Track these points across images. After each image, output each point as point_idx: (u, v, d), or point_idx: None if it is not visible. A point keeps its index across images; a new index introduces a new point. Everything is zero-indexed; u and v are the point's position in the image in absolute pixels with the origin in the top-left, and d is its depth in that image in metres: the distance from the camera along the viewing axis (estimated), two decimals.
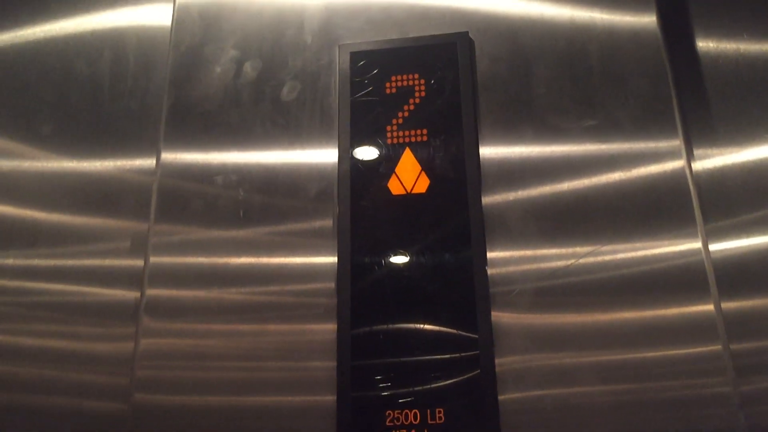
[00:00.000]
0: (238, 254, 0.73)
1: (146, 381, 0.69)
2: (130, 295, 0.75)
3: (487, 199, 0.71)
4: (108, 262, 0.78)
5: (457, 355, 0.66)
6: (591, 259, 0.68)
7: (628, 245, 0.68)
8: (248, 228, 0.74)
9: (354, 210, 0.72)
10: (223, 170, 0.77)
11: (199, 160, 0.78)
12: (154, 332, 0.71)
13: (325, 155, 0.76)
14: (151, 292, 0.73)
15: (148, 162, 0.81)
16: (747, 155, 0.72)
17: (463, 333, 0.67)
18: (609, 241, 0.68)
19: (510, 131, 0.74)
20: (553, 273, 0.68)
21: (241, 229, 0.74)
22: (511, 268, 0.69)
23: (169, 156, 0.78)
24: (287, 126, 0.78)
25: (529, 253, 0.69)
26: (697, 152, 0.72)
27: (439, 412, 0.65)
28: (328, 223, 0.73)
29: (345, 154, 0.75)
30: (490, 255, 0.69)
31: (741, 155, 0.72)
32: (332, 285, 0.70)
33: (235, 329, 0.70)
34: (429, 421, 0.64)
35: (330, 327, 0.69)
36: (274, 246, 0.73)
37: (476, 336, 0.66)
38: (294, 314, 0.70)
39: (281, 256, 0.73)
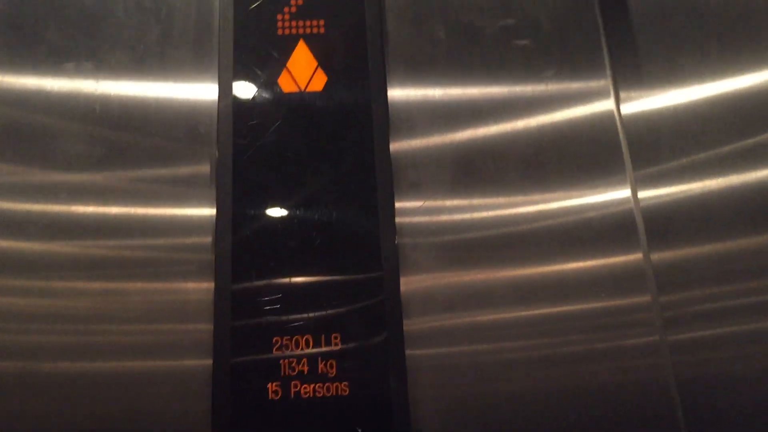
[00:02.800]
0: (89, 201, 0.59)
1: None
2: None
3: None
4: None
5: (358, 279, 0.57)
6: (513, 210, 0.60)
7: (551, 194, 0.61)
8: (103, 172, 0.60)
9: (238, 132, 0.60)
10: (72, 98, 0.62)
11: (40, 85, 0.63)
12: None
13: (203, 76, 0.63)
14: None
15: None
16: (675, 98, 0.65)
17: (365, 275, 0.57)
18: (530, 190, 0.60)
19: (419, 28, 0.65)
20: (465, 225, 0.59)
21: (94, 172, 0.60)
22: (418, 219, 0.60)
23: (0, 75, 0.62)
24: (156, 33, 0.64)
25: (439, 203, 0.60)
26: (624, 94, 0.65)
27: (335, 337, 0.55)
28: (204, 168, 0.61)
29: (226, 56, 0.63)
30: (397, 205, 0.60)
31: (669, 97, 0.65)
32: (208, 239, 0.58)
33: (83, 287, 0.57)
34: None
35: (205, 285, 0.57)
36: (137, 194, 0.60)
37: (380, 273, 0.57)
38: (162, 272, 0.58)
39: (146, 206, 0.60)
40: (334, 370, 0.55)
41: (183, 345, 0.56)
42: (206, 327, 0.56)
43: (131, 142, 0.61)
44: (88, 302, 0.57)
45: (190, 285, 0.58)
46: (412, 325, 0.57)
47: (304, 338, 0.56)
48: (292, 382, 0.54)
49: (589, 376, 0.56)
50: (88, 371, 0.55)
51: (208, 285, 0.57)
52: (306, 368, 0.55)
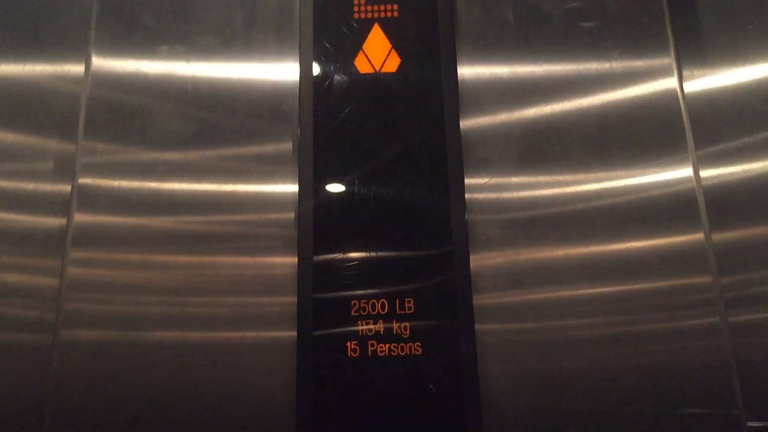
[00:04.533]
0: (182, 179, 0.64)
1: (74, 315, 0.61)
2: (55, 222, 0.65)
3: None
4: (30, 185, 0.66)
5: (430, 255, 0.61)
6: (576, 188, 0.63)
7: (614, 172, 0.63)
8: (195, 150, 0.65)
9: (317, 111, 0.64)
10: (165, 81, 0.67)
11: (137, 68, 0.67)
12: (82, 263, 0.62)
13: (284, 56, 0.67)
14: (80, 218, 0.63)
15: (76, 68, 0.69)
16: (737, 77, 0.67)
17: (437, 251, 0.61)
18: (594, 168, 0.63)
19: (489, 10, 0.67)
20: (531, 202, 0.62)
21: (186, 150, 0.65)
22: (486, 195, 0.63)
23: (101, 62, 0.67)
24: (242, 16, 0.68)
25: (505, 180, 0.63)
26: (687, 73, 0.67)
27: (409, 301, 0.60)
28: (287, 146, 0.65)
29: (306, 39, 0.66)
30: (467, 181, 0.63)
31: (731, 76, 0.67)
32: (291, 215, 0.62)
33: (180, 261, 0.62)
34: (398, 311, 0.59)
35: (289, 260, 0.61)
36: (225, 171, 0.64)
37: (451, 249, 0.61)
38: (248, 246, 0.62)
39: (234, 182, 0.64)
40: (408, 331, 0.59)
41: (269, 316, 0.61)
42: (291, 300, 0.60)
43: (220, 120, 0.66)
44: (181, 275, 0.62)
45: (276, 260, 0.62)
46: (480, 299, 0.60)
47: (380, 302, 0.60)
48: (369, 341, 0.59)
49: (651, 355, 0.58)
50: (182, 341, 0.60)
51: (291, 260, 0.61)
52: (382, 329, 0.59)
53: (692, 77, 0.67)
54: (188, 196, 0.64)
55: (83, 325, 0.60)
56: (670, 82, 0.66)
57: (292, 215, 0.63)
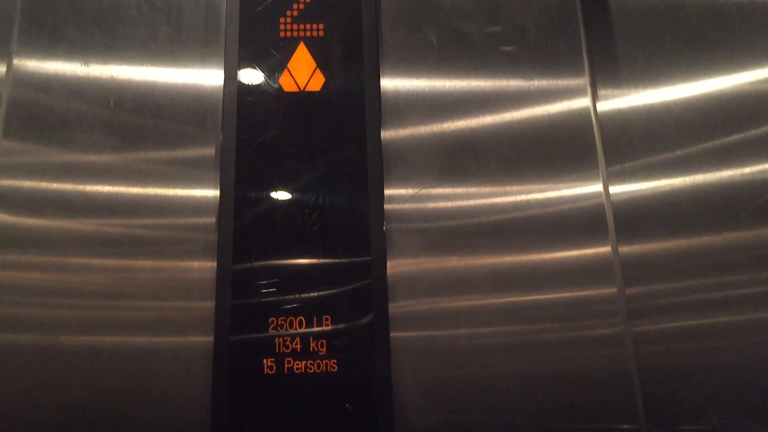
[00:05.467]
0: (105, 181, 0.65)
1: None
2: None
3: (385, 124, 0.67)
4: None
5: (348, 263, 0.62)
6: (492, 200, 0.65)
7: (528, 186, 0.65)
8: (116, 153, 0.66)
9: (241, 127, 0.65)
10: (88, 84, 0.68)
11: (59, 73, 0.68)
12: None
13: (209, 72, 0.68)
14: None
15: None
16: (649, 98, 0.70)
17: (355, 259, 0.62)
18: (509, 181, 0.65)
19: (412, 32, 0.70)
20: (448, 213, 0.64)
21: (108, 153, 0.65)
22: (406, 206, 0.64)
23: (23, 62, 0.68)
24: (167, 32, 0.70)
25: (423, 192, 0.65)
26: (601, 92, 0.69)
27: (326, 318, 0.61)
28: (209, 151, 0.66)
29: (232, 55, 0.68)
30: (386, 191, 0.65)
31: (644, 97, 0.70)
32: (212, 220, 0.63)
33: (98, 264, 0.62)
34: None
35: (208, 265, 0.62)
36: (146, 174, 0.65)
37: (369, 258, 0.62)
38: (168, 250, 0.63)
39: (154, 186, 0.65)
40: (325, 348, 0.60)
41: (186, 322, 0.61)
42: (208, 305, 0.61)
43: (143, 127, 0.66)
44: (101, 278, 0.62)
45: (195, 264, 0.63)
46: (396, 308, 0.61)
47: (298, 319, 0.61)
48: (286, 359, 0.59)
49: (558, 362, 0.60)
50: (98, 345, 0.60)
51: (211, 264, 0.62)
52: (299, 346, 0.60)
53: (606, 97, 0.70)
54: (108, 198, 0.64)
55: None
56: (583, 102, 0.68)
57: (212, 220, 0.64)
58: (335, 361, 0.59)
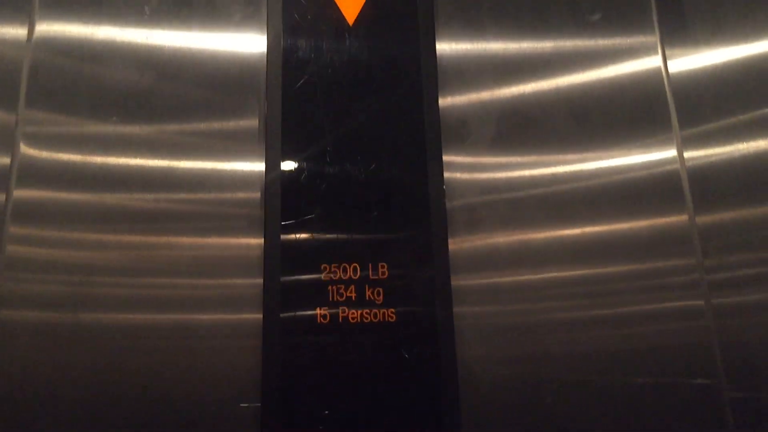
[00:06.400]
0: (137, 153, 0.59)
1: (12, 294, 0.55)
2: None
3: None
4: None
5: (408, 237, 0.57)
6: (559, 169, 0.60)
7: (598, 153, 0.60)
8: (150, 123, 0.60)
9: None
10: (120, 48, 0.61)
11: (88, 33, 0.62)
12: (21, 240, 0.56)
13: (251, 35, 0.62)
14: (20, 193, 0.57)
15: (17, 32, 0.63)
16: (720, 56, 0.65)
17: (415, 233, 0.57)
18: (579, 148, 0.60)
19: None
20: (516, 183, 0.59)
21: (141, 123, 0.60)
22: (467, 175, 0.60)
23: (46, 26, 0.61)
24: None
25: (486, 160, 0.60)
26: (670, 52, 0.64)
27: (382, 266, 0.56)
28: (253, 122, 0.60)
29: (275, 14, 0.62)
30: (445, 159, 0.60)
31: (715, 56, 0.65)
32: (257, 195, 0.58)
33: (132, 240, 0.57)
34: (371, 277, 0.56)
35: (255, 241, 0.57)
36: (185, 147, 0.60)
37: (429, 233, 0.57)
38: (212, 226, 0.58)
39: (193, 158, 0.59)
40: (381, 297, 0.55)
41: (232, 297, 0.57)
42: (256, 281, 0.56)
43: (178, 92, 0.61)
44: (133, 255, 0.57)
45: (241, 240, 0.58)
46: (459, 281, 0.57)
47: (351, 266, 0.56)
48: (341, 308, 0.55)
49: (635, 337, 0.57)
50: (139, 323, 0.55)
51: (257, 240, 0.58)
52: (354, 295, 0.55)
53: (676, 56, 0.65)
54: (142, 171, 0.59)
55: (23, 305, 0.55)
56: (654, 61, 0.63)
57: (258, 194, 0.58)
58: (393, 310, 0.55)
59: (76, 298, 0.55)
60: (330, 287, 0.55)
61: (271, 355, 0.54)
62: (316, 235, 0.57)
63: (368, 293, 0.55)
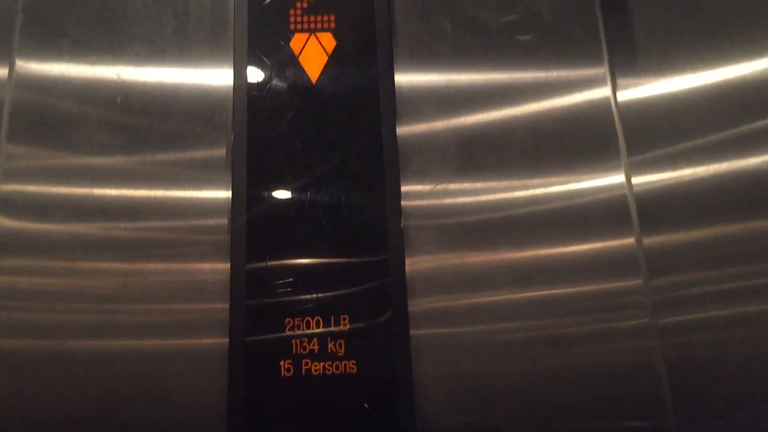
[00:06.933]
0: (111, 185, 0.63)
1: None
2: None
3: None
4: None
5: (365, 262, 0.60)
6: (512, 194, 0.63)
7: (548, 179, 0.64)
8: (124, 155, 0.64)
9: (252, 124, 0.63)
10: (93, 83, 0.66)
11: (63, 74, 0.66)
12: (3, 271, 0.60)
13: (218, 69, 0.66)
14: (2, 223, 0.61)
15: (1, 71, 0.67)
16: (669, 86, 0.68)
17: (372, 258, 0.60)
18: (528, 175, 0.64)
19: (426, 21, 0.68)
20: (466, 209, 0.63)
21: (115, 156, 0.64)
22: (423, 202, 0.63)
23: (26, 65, 0.66)
24: (174, 27, 0.68)
25: (440, 187, 0.63)
26: (621, 82, 0.68)
27: (344, 318, 0.59)
28: (220, 151, 0.64)
29: (241, 51, 0.66)
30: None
31: (663, 86, 0.68)
32: (223, 221, 0.62)
33: (108, 268, 0.60)
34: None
35: (221, 266, 0.60)
36: (154, 176, 0.63)
37: (386, 256, 0.60)
38: (179, 252, 0.61)
39: (163, 188, 0.63)
40: (343, 349, 0.58)
41: (200, 324, 0.59)
42: (222, 306, 0.59)
43: (151, 127, 0.64)
44: (110, 282, 0.60)
45: (207, 266, 0.61)
46: (416, 305, 0.60)
47: (315, 319, 0.59)
48: (304, 360, 0.58)
49: (582, 356, 0.59)
50: (109, 350, 0.58)
51: (224, 266, 0.60)
52: (316, 347, 0.58)
53: (626, 86, 0.68)
54: (117, 202, 0.62)
55: (2, 335, 0.58)
56: (603, 92, 0.67)
57: (225, 221, 0.62)
58: (354, 361, 0.58)
59: (53, 326, 0.59)
60: (293, 341, 0.58)
61: (237, 382, 0.57)
62: (280, 261, 0.60)
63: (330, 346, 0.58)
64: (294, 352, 0.58)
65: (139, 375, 0.58)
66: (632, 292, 0.61)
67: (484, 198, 0.63)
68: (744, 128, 0.66)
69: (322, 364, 0.58)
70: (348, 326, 0.59)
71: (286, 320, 0.59)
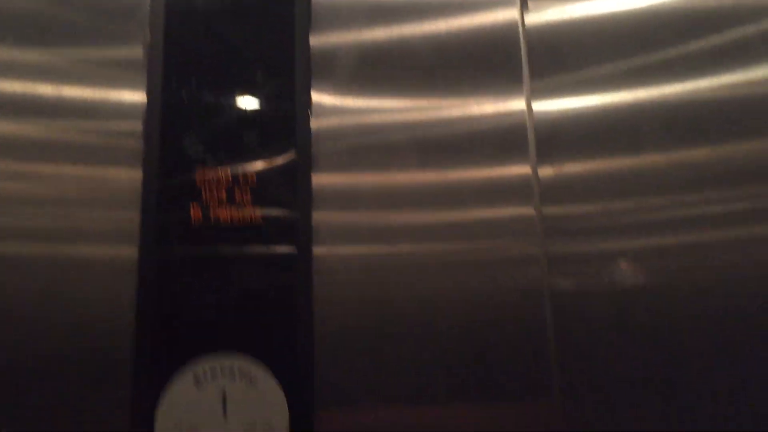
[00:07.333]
0: (22, 79, 0.61)
1: None
2: None
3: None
4: None
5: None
6: (409, 115, 0.62)
7: (453, 100, 0.62)
8: (45, 48, 0.61)
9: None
10: None
11: None
12: None
13: None
14: None
15: None
16: (580, 9, 0.66)
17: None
18: (433, 94, 0.62)
19: None
20: (368, 128, 0.61)
21: (37, 48, 0.62)
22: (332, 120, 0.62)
23: None
24: None
25: (347, 102, 0.62)
26: (531, 4, 0.65)
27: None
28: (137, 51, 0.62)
29: None
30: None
31: (573, 9, 0.66)
32: (139, 126, 0.61)
33: (21, 169, 0.60)
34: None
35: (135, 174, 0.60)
36: (67, 73, 0.62)
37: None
38: (90, 156, 0.60)
39: (77, 86, 0.62)
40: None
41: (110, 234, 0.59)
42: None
43: (64, 18, 0.62)
44: (20, 185, 0.59)
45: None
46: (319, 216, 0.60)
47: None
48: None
49: (473, 281, 0.60)
50: (18, 254, 0.58)
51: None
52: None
53: (535, 9, 0.66)
54: (33, 97, 0.61)
55: None
56: (510, 13, 0.64)
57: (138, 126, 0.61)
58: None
59: None
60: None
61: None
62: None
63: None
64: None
65: (48, 279, 0.58)
66: (524, 220, 0.61)
67: (387, 117, 0.63)
68: (648, 57, 0.64)
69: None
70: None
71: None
